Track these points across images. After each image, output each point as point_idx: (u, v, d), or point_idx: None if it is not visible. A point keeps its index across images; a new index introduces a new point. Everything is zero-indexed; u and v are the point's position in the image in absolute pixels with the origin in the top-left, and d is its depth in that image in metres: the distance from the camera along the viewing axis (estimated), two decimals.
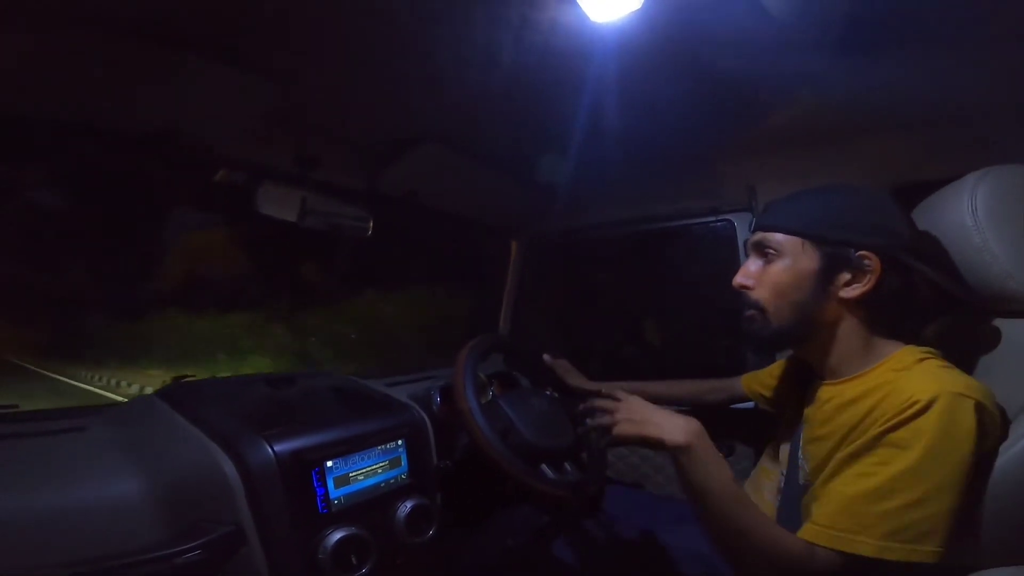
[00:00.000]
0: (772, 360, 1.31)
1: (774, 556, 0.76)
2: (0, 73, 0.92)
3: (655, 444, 0.86)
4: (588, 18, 0.93)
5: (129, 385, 7.67)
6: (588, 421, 0.99)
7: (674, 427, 0.84)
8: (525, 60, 1.07)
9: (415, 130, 1.44)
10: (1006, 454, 0.72)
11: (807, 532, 0.75)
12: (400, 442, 1.08)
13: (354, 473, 0.98)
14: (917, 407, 0.70)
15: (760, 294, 0.90)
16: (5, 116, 1.01)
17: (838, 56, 1.07)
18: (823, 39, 1.02)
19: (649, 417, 0.89)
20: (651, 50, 1.06)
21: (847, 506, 0.72)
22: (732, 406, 1.44)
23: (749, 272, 0.93)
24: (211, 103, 1.13)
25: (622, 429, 0.91)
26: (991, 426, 0.71)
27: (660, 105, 1.28)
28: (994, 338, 0.87)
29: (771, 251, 0.89)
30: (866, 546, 0.69)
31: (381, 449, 1.04)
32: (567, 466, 1.22)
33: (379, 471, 1.03)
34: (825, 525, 0.73)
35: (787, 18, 0.95)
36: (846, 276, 0.84)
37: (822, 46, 1.04)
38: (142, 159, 1.28)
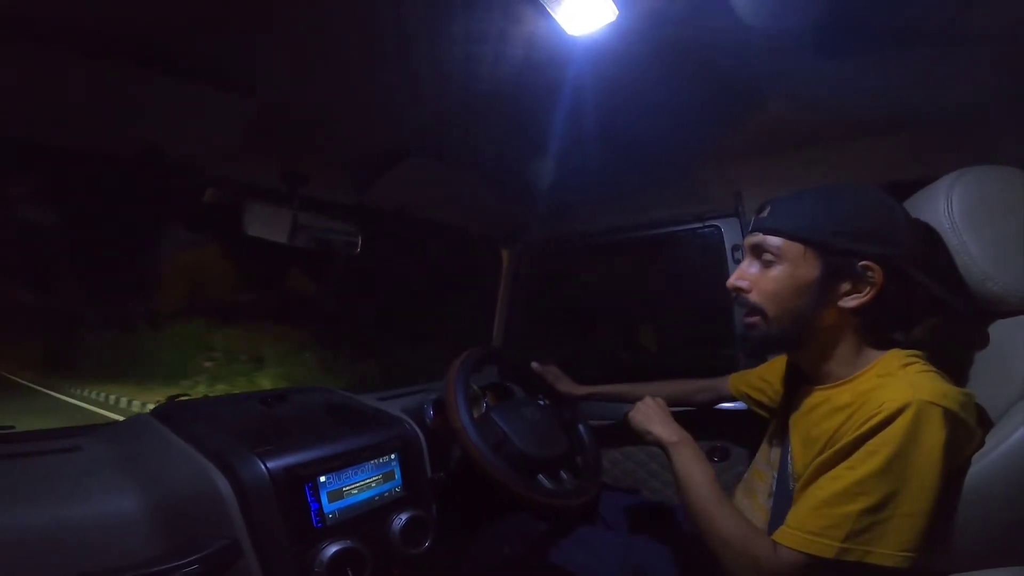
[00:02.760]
0: (762, 361, 1.32)
1: (740, 552, 0.80)
2: None
3: (654, 437, 1.03)
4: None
5: (130, 403, 7.65)
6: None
7: (670, 429, 1.02)
8: (508, 72, 1.09)
9: (402, 143, 1.44)
10: (990, 455, 0.72)
11: (778, 534, 0.76)
12: (393, 456, 1.09)
13: (348, 487, 0.99)
14: (888, 414, 0.70)
15: (758, 298, 0.88)
16: None
17: (819, 60, 1.08)
18: (804, 43, 1.03)
19: (654, 416, 1.08)
20: (632, 59, 1.07)
21: (815, 508, 0.73)
22: (726, 406, 1.45)
23: (745, 274, 0.90)
24: (193, 121, 1.13)
25: (636, 417, 1.11)
26: (963, 434, 0.71)
27: (644, 113, 1.30)
28: (974, 339, 0.87)
29: (770, 255, 0.86)
30: (827, 548, 0.70)
31: (374, 463, 1.05)
32: (563, 474, 1.23)
33: (373, 485, 1.04)
34: (794, 527, 0.74)
35: (765, 24, 0.96)
36: (847, 286, 0.82)
37: (803, 50, 1.05)
38: (129, 179, 1.29)
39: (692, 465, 0.94)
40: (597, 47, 1.01)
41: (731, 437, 1.59)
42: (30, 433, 1.06)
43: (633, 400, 1.23)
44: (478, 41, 0.99)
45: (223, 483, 0.87)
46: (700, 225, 1.72)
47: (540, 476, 1.16)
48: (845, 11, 0.95)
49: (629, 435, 1.11)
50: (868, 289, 0.81)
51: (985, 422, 0.77)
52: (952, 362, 0.85)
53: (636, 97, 1.23)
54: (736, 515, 0.86)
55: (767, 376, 1.20)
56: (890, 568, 0.68)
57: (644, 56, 1.06)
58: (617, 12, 0.90)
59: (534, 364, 1.55)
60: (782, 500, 0.90)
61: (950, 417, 0.70)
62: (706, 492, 0.89)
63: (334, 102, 1.21)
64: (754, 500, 1.01)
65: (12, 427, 1.04)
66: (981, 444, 0.74)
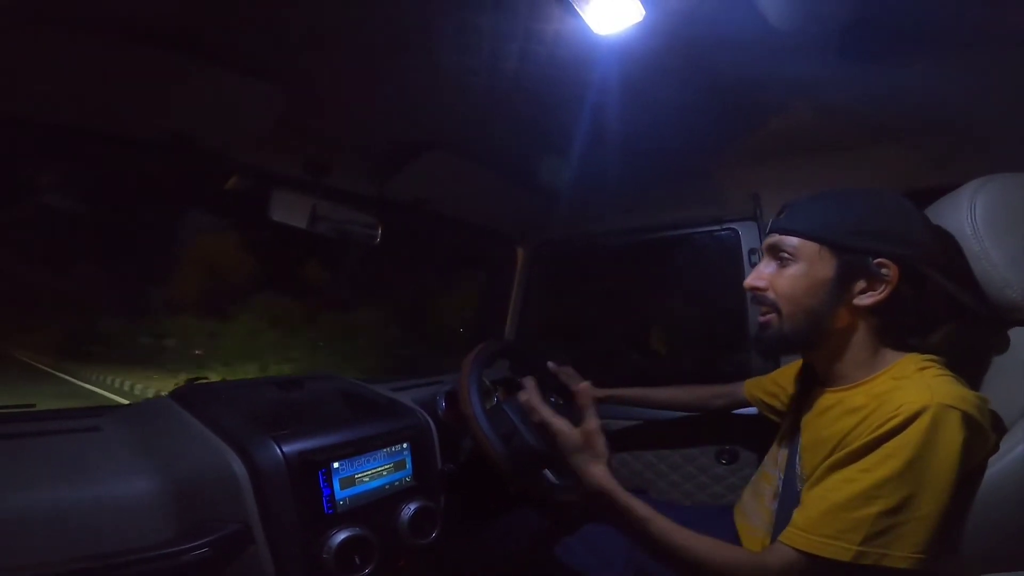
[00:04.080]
0: (777, 365, 1.31)
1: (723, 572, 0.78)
2: (16, 78, 0.94)
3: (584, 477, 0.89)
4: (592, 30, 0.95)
5: (146, 390, 7.71)
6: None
7: (589, 479, 0.88)
8: (531, 69, 1.09)
9: (423, 137, 1.45)
10: (1004, 460, 0.72)
11: (786, 536, 0.75)
12: (405, 445, 1.10)
13: (360, 475, 1.00)
14: (905, 418, 0.70)
15: (773, 296, 0.89)
16: (21, 121, 1.05)
17: (840, 64, 1.07)
18: (825, 47, 1.02)
19: (577, 461, 0.91)
20: (655, 60, 1.07)
21: (829, 511, 0.72)
22: (736, 411, 1.44)
23: (762, 274, 0.91)
24: (223, 110, 1.15)
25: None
26: (979, 438, 0.71)
27: (664, 114, 1.29)
28: (993, 346, 0.87)
29: (786, 255, 0.87)
30: (844, 551, 0.69)
31: (386, 452, 1.06)
32: (570, 470, 1.23)
33: (384, 473, 1.05)
34: (804, 529, 0.73)
35: (789, 27, 0.96)
36: (862, 284, 0.82)
37: (824, 54, 1.04)
38: (157, 165, 1.31)
39: (619, 516, 0.85)
40: (621, 47, 1.01)
41: (740, 440, 1.59)
42: (50, 412, 1.09)
43: (650, 405, 1.20)
44: (504, 38, 1.00)
45: (238, 465, 0.88)
46: (717, 228, 1.71)
47: (547, 471, 1.16)
48: (873, 14, 0.94)
49: (639, 437, 1.09)
50: (883, 287, 0.81)
51: (1000, 427, 0.77)
52: (967, 368, 0.84)
53: (657, 98, 1.22)
54: (694, 543, 0.80)
55: (780, 381, 1.20)
56: (902, 570, 0.68)
57: (667, 57, 1.06)
58: (644, 13, 0.90)
59: (550, 364, 1.55)
60: (788, 502, 0.90)
61: (967, 420, 0.69)
62: (648, 538, 0.82)
63: (359, 94, 1.22)
64: (760, 502, 1.01)
65: (33, 405, 1.06)
66: (995, 449, 0.74)
